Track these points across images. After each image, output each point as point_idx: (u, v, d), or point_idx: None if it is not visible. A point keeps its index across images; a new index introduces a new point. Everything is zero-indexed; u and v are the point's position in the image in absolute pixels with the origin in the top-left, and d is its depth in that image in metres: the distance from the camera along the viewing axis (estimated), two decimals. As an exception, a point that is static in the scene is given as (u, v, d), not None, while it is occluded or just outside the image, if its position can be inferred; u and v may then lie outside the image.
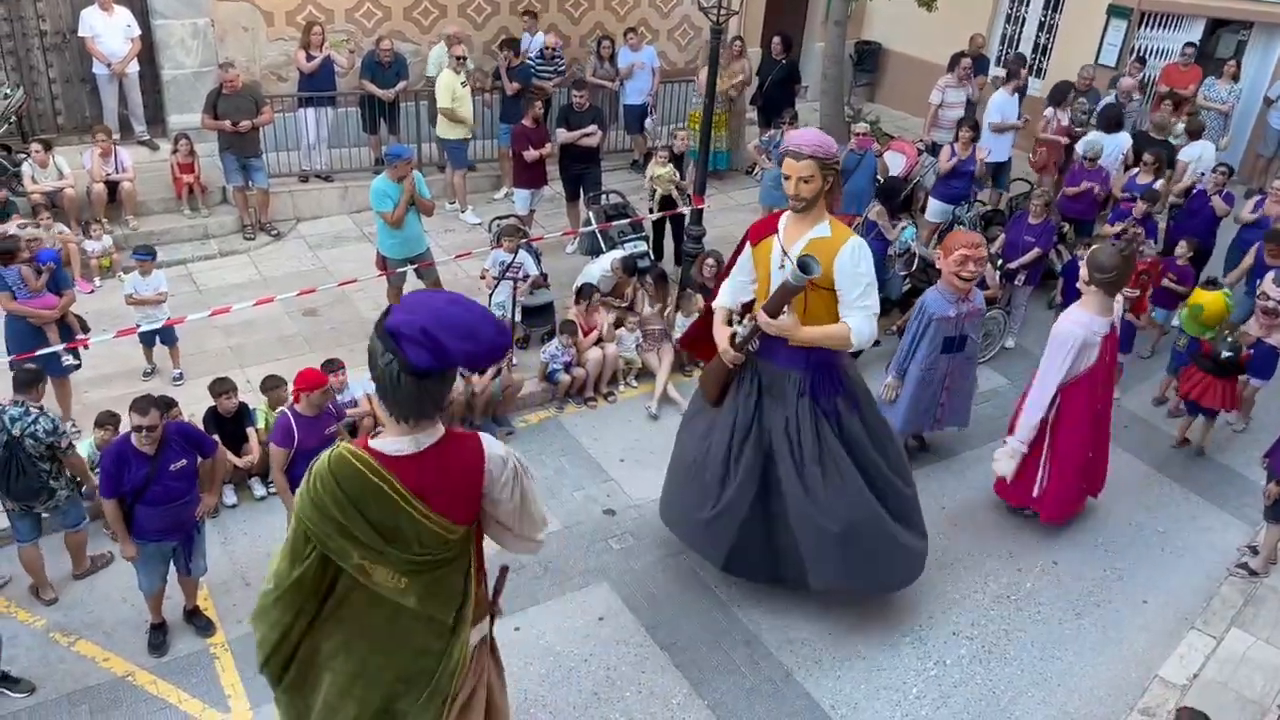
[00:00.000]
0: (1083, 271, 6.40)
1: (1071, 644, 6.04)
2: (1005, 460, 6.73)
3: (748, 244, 5.55)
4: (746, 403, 5.60)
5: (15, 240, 7.40)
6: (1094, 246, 6.68)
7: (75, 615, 5.96)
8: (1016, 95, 11.05)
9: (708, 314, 5.96)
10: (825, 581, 5.75)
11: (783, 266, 5.17)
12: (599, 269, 8.83)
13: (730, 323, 5.63)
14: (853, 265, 5.11)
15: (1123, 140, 10.56)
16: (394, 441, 3.12)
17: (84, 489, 6.06)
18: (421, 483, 3.11)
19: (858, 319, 5.16)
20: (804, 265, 4.84)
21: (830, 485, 5.48)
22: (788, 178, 5.10)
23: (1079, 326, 6.32)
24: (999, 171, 11.21)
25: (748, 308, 5.60)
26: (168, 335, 7.94)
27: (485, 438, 3.32)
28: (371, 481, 3.08)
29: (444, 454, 3.16)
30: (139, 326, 7.75)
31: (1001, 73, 12.71)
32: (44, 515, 5.88)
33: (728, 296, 5.70)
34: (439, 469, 3.14)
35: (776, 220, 5.40)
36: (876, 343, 8.89)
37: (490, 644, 3.70)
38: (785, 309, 5.13)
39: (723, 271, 6.12)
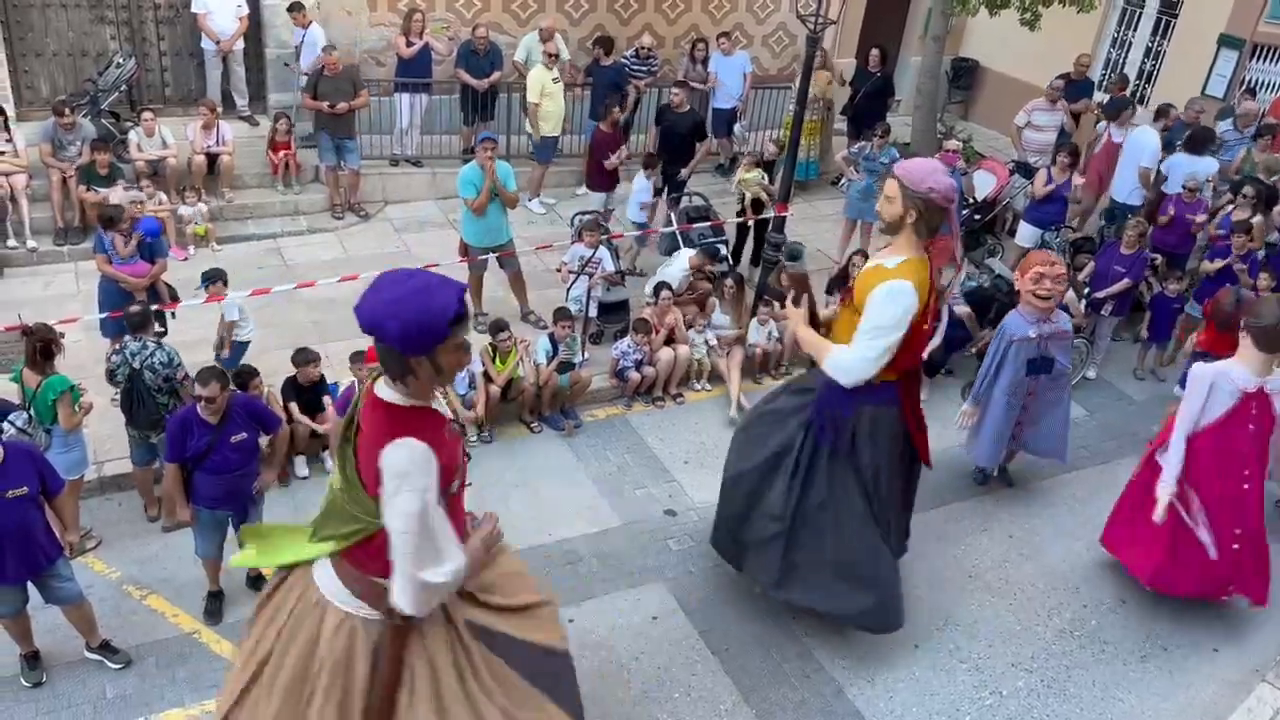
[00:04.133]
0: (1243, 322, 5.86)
1: (1135, 686, 5.88)
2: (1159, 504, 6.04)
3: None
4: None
5: (120, 209, 7.72)
6: (1259, 300, 6.15)
7: (149, 571, 6.17)
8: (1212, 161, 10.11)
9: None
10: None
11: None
12: (678, 268, 8.83)
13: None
14: (881, 300, 4.89)
15: (1205, 165, 9.94)
16: (383, 384, 3.41)
17: None
18: (365, 421, 3.42)
19: (849, 350, 5.02)
20: (793, 253, 5.06)
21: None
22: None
23: (1212, 369, 5.86)
24: (1123, 214, 10.28)
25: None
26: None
27: (406, 445, 3.22)
28: (360, 391, 3.54)
29: (388, 417, 3.34)
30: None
31: (1104, 97, 12.44)
32: (155, 445, 6.34)
33: None
34: (376, 424, 3.35)
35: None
36: (949, 370, 8.78)
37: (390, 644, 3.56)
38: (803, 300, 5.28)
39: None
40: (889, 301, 4.87)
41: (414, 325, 3.18)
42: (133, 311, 6.49)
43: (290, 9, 10.51)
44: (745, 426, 6.03)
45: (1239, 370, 5.78)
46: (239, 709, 3.72)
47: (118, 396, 6.43)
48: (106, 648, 5.49)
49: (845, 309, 5.16)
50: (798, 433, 5.51)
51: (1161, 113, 10.46)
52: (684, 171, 10.26)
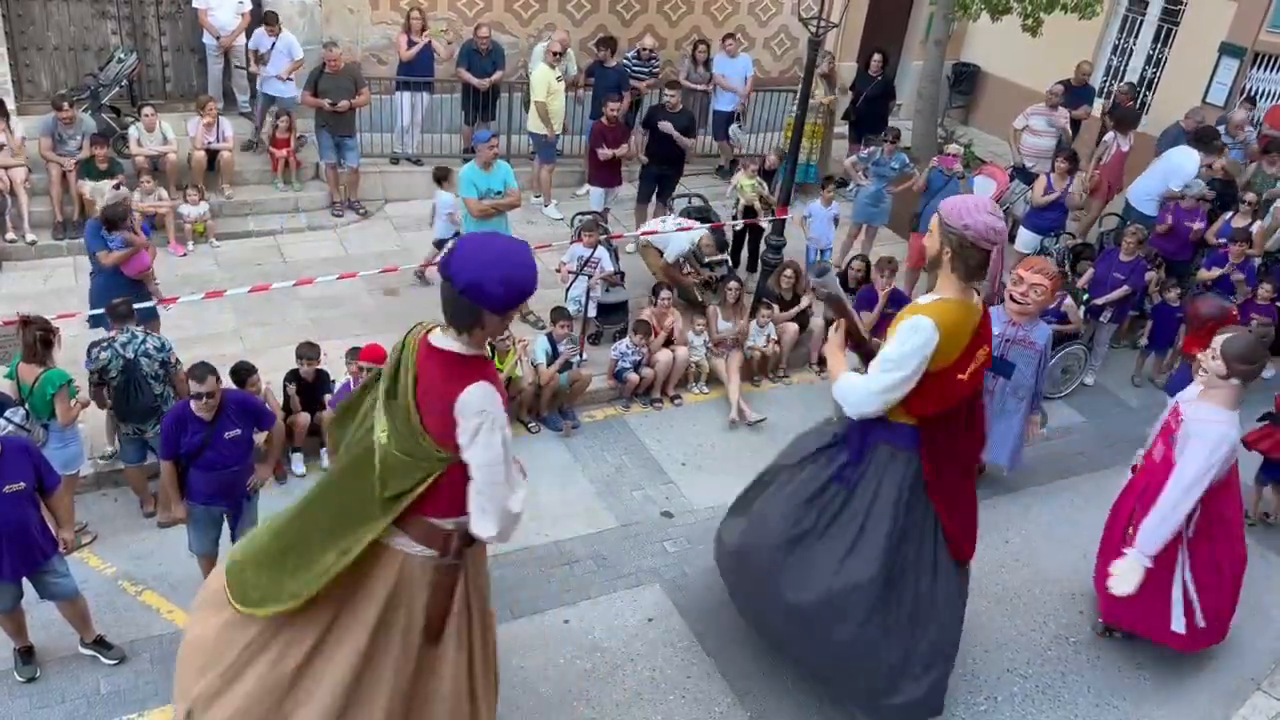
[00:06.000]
0: (1217, 364, 5.38)
1: (1129, 694, 5.88)
2: (1127, 576, 5.42)
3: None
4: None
5: (124, 209, 7.68)
6: (1227, 336, 5.59)
7: (144, 566, 6.17)
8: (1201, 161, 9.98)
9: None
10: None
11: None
12: (688, 239, 8.88)
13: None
14: (899, 335, 4.62)
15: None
16: (441, 335, 3.66)
17: None
18: (423, 371, 3.63)
19: (860, 379, 4.76)
20: (821, 269, 4.90)
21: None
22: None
23: (1228, 426, 5.34)
24: (1138, 219, 10.09)
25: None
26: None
27: (482, 387, 3.56)
28: (410, 343, 3.69)
29: (453, 365, 3.60)
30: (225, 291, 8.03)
31: (1105, 104, 12.45)
32: (149, 440, 6.31)
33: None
34: (438, 372, 3.60)
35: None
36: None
37: (447, 580, 3.91)
38: (839, 322, 4.97)
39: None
40: (905, 336, 4.57)
41: (514, 284, 3.48)
42: (116, 303, 6.40)
43: (265, 20, 10.36)
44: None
45: (1234, 416, 5.44)
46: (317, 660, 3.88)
47: (109, 394, 6.26)
48: (101, 643, 5.48)
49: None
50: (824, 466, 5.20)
51: (1207, 144, 10.09)
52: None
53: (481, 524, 3.66)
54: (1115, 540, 5.85)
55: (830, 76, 11.80)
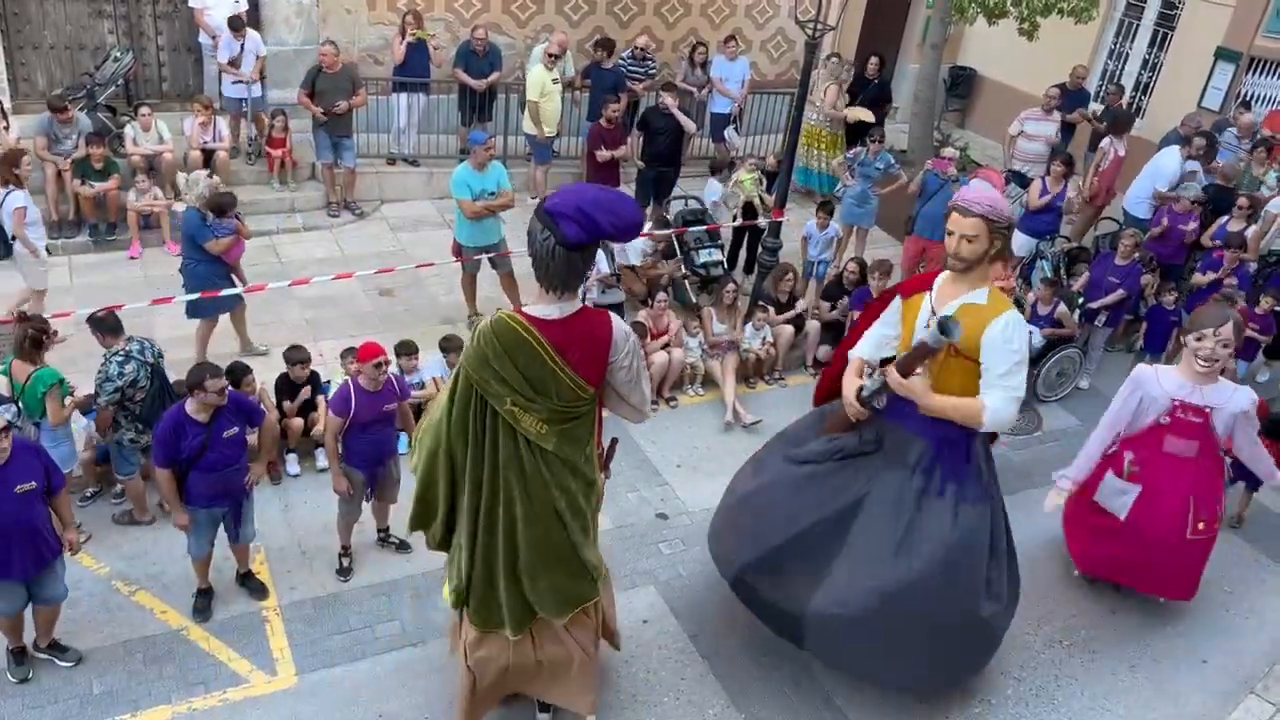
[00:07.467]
0: (1227, 351, 5.76)
1: (1124, 697, 5.88)
2: (1052, 496, 6.32)
3: (898, 295, 5.15)
4: (859, 459, 5.17)
5: (232, 196, 7.70)
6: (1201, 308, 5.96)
7: (138, 566, 6.15)
8: (1194, 164, 10.10)
9: (838, 361, 5.56)
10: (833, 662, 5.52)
11: (927, 326, 4.68)
12: (640, 240, 8.99)
13: (862, 374, 5.19)
14: (1004, 339, 4.66)
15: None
16: (543, 308, 3.92)
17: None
18: (561, 342, 3.90)
19: (996, 397, 4.69)
20: (944, 327, 4.44)
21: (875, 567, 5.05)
22: (950, 233, 4.69)
23: (1145, 375, 6.00)
24: (1134, 224, 10.19)
25: (884, 362, 5.10)
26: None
27: (613, 315, 4.08)
28: (523, 336, 3.89)
29: (581, 322, 3.96)
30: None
31: (1099, 107, 12.47)
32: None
33: (867, 347, 5.27)
34: (576, 333, 3.93)
35: (933, 277, 5.02)
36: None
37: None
38: (919, 370, 4.76)
39: (863, 318, 5.56)
40: (1017, 331, 4.71)
41: (628, 209, 3.86)
42: (101, 316, 6.18)
43: (231, 25, 10.28)
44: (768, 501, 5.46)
45: (1173, 377, 5.90)
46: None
47: (132, 407, 6.07)
48: (56, 647, 5.46)
49: (952, 358, 4.81)
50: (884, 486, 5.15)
51: (1187, 140, 10.30)
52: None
53: (640, 414, 4.35)
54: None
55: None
